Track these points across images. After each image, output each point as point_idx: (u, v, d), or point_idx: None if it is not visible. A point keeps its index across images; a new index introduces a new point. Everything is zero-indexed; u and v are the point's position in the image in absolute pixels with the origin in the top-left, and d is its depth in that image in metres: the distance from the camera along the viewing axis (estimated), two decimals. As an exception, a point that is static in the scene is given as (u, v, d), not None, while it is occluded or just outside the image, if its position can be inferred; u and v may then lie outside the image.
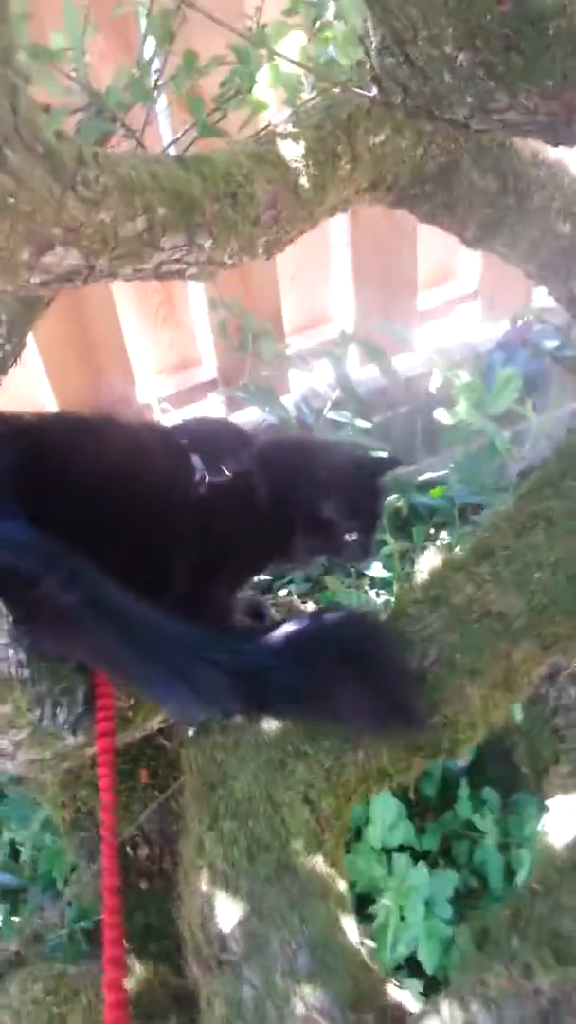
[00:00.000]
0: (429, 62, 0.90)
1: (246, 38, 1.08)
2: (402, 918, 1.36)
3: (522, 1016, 0.69)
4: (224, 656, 0.93)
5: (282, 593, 1.99)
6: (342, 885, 0.88)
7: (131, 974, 1.02)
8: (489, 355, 2.21)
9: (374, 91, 0.99)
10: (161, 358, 2.27)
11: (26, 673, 0.96)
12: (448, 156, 1.29)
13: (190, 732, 1.05)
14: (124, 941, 0.90)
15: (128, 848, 1.29)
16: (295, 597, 1.60)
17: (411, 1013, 0.80)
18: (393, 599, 1.78)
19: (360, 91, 1.03)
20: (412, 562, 2.08)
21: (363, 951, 0.84)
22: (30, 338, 1.80)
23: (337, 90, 1.12)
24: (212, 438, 1.20)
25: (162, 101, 1.58)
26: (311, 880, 0.85)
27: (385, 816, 1.46)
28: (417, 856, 1.51)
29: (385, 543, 1.84)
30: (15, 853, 1.67)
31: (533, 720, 1.57)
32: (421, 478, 2.41)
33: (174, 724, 1.31)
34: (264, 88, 1.17)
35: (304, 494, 1.14)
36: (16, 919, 1.58)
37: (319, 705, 0.96)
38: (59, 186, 0.84)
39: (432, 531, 2.26)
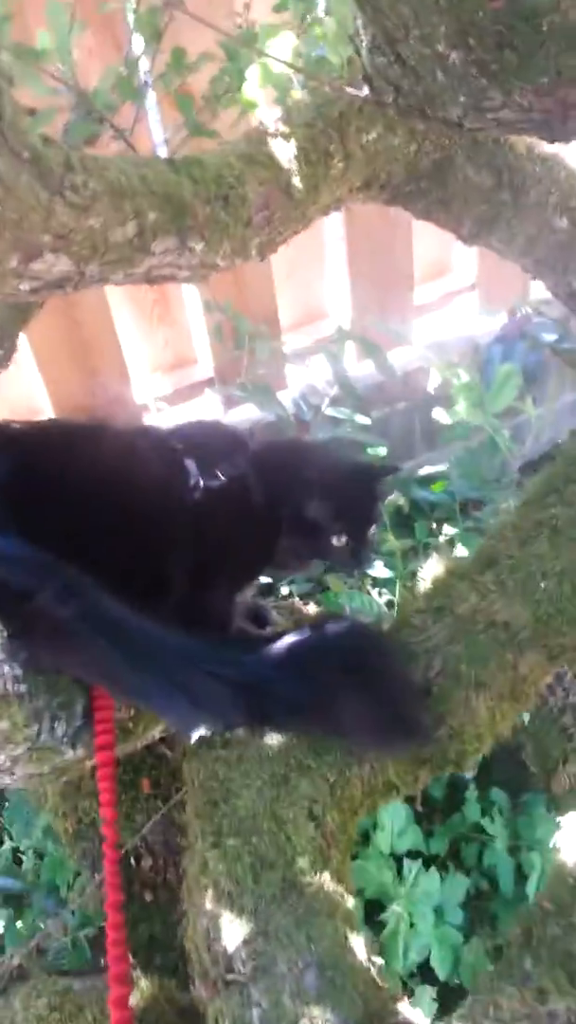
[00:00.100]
0: (421, 61, 0.88)
1: (233, 40, 1.06)
2: (412, 925, 1.35)
3: (535, 1038, 0.68)
4: (224, 668, 0.91)
5: (284, 591, 1.98)
6: (350, 902, 0.87)
7: (136, 989, 1.01)
8: (488, 349, 2.20)
9: (365, 90, 0.97)
10: (157, 357, 2.25)
11: (23, 688, 0.95)
12: (442, 152, 1.27)
13: (192, 741, 1.03)
14: (129, 956, 0.89)
15: (131, 859, 1.28)
16: (297, 599, 1.59)
17: (421, 1032, 0.79)
18: (396, 598, 1.77)
19: (351, 90, 1.01)
20: (416, 556, 2.07)
21: (372, 969, 0.83)
22: (23, 339, 1.78)
23: (328, 89, 1.10)
24: (207, 442, 1.18)
25: (151, 99, 1.56)
26: (317, 898, 0.84)
27: (394, 822, 1.45)
28: (426, 860, 1.49)
29: (385, 540, 1.83)
30: (18, 859, 1.66)
31: (541, 719, 1.56)
32: (421, 473, 2.40)
33: (176, 733, 1.29)
34: (254, 87, 1.15)
35: (293, 494, 1.12)
36: (20, 924, 1.57)
37: (321, 718, 0.95)
38: (47, 192, 0.82)
39: (434, 526, 2.25)
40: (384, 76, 0.93)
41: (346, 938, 0.83)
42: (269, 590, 1.88)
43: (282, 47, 1.10)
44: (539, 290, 1.93)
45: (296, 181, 1.10)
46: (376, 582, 1.92)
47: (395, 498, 1.85)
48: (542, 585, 0.98)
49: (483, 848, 1.56)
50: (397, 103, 0.96)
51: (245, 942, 0.82)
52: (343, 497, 1.12)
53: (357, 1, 0.88)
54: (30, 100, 1.11)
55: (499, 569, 1.02)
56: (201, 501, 1.08)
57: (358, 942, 0.84)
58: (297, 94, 1.16)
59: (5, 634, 0.92)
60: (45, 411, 2.12)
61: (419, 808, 1.56)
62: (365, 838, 1.47)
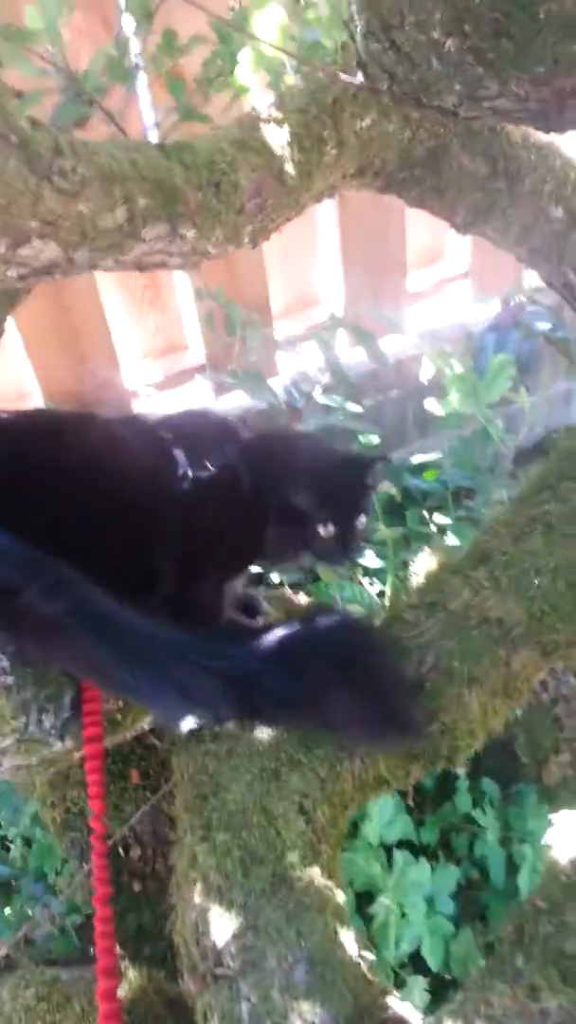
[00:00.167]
0: (416, 48, 0.87)
1: (225, 21, 1.04)
2: (403, 915, 1.35)
3: (526, 1036, 0.68)
4: (214, 661, 0.90)
5: (275, 580, 1.97)
6: (340, 896, 0.87)
7: (125, 981, 1.00)
8: (481, 337, 2.19)
9: (359, 77, 0.95)
10: (147, 343, 2.24)
11: (10, 680, 0.94)
12: (437, 140, 1.25)
13: (182, 731, 1.03)
14: (117, 949, 0.88)
15: (120, 849, 1.28)
16: (287, 589, 1.58)
17: (412, 1027, 0.79)
18: (387, 587, 1.76)
19: (346, 77, 0.99)
20: (407, 544, 2.07)
21: (363, 964, 0.83)
22: (12, 324, 1.77)
23: (321, 75, 1.08)
24: (197, 432, 1.17)
25: (142, 81, 1.54)
26: (308, 893, 0.84)
27: (383, 812, 1.45)
28: (416, 850, 1.50)
29: (376, 529, 1.82)
30: (5, 846, 1.66)
31: (533, 710, 1.56)
32: (414, 461, 2.39)
33: (164, 724, 1.29)
34: (246, 71, 1.14)
35: (279, 483, 1.11)
36: (8, 911, 1.57)
37: (312, 712, 0.94)
38: (35, 177, 0.81)
39: (425, 515, 2.24)
40: (379, 63, 0.92)
41: (336, 933, 0.82)
42: (260, 579, 1.88)
43: (270, 22, 1.09)
44: (533, 278, 1.93)
45: (289, 168, 1.08)
46: (367, 572, 1.91)
47: (387, 488, 1.83)
48: (536, 581, 0.97)
49: (474, 838, 1.56)
50: (392, 90, 0.94)
51: (234, 936, 0.82)
52: (329, 485, 1.10)
53: (353, -14, 0.87)
54: (18, 82, 1.10)
55: (492, 565, 1.01)
56: (190, 491, 1.07)
57: (348, 937, 0.84)
58: (290, 79, 1.14)
59: (-7, 629, 0.91)
60: (34, 397, 2.10)
61: (410, 800, 1.56)
62: (353, 829, 1.47)
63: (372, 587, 1.84)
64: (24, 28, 1.03)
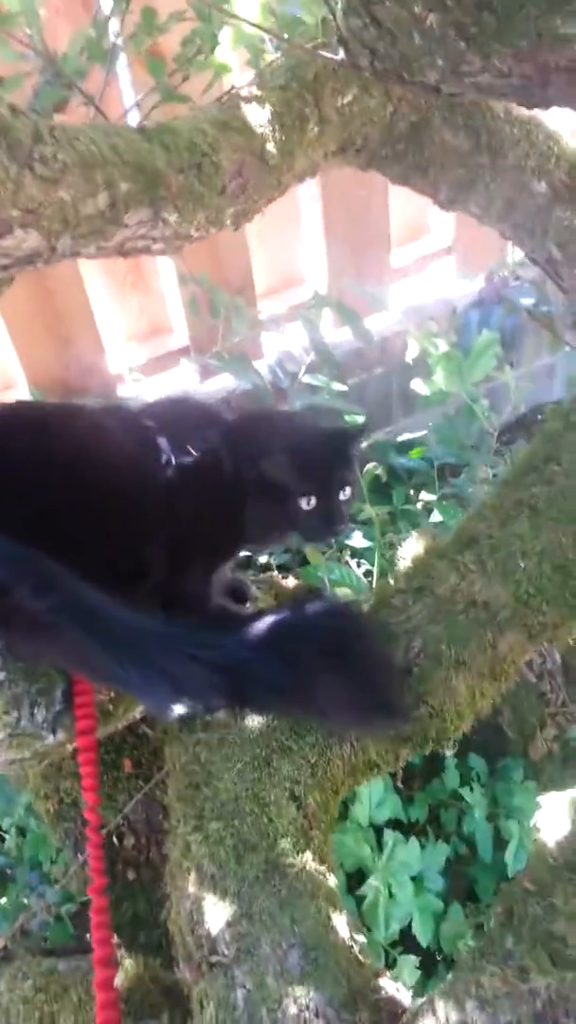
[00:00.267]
0: (397, 23, 0.86)
1: (203, 1, 1.03)
2: (391, 895, 1.36)
3: (517, 1017, 0.69)
4: (203, 651, 0.90)
5: (262, 560, 1.97)
6: (332, 881, 0.88)
7: (121, 970, 1.01)
8: (465, 313, 2.18)
9: (340, 54, 0.94)
10: (131, 325, 2.22)
11: (1, 676, 0.94)
12: (419, 114, 1.24)
13: (172, 717, 1.03)
14: (113, 939, 0.89)
15: (114, 838, 1.28)
16: (275, 572, 1.58)
17: (405, 1008, 0.79)
18: (374, 567, 1.76)
19: (326, 54, 0.98)
20: (393, 523, 2.07)
21: (355, 947, 0.83)
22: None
23: (301, 52, 1.06)
24: (180, 418, 1.15)
25: (122, 61, 1.51)
26: (300, 879, 0.84)
27: (372, 793, 1.46)
28: (405, 827, 1.51)
29: (362, 510, 1.82)
30: (0, 836, 1.67)
31: (519, 686, 1.57)
32: (399, 439, 2.39)
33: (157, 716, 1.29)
34: (226, 50, 1.12)
35: (259, 458, 1.08)
36: (4, 900, 1.58)
37: (300, 699, 0.94)
38: (15, 165, 0.80)
39: (411, 493, 2.24)
40: (360, 39, 0.90)
41: (329, 918, 0.83)
42: (247, 563, 1.88)
43: (252, 5, 1.07)
44: (516, 253, 1.92)
45: (271, 147, 1.07)
46: (354, 552, 1.91)
47: (372, 467, 1.83)
48: (522, 565, 0.97)
49: (462, 814, 1.57)
50: (373, 66, 0.93)
51: (229, 924, 0.83)
52: (309, 457, 1.08)
53: (332, -38, 0.85)
54: (-2, 67, 1.08)
55: (479, 549, 1.01)
56: (174, 479, 1.06)
57: (341, 921, 0.84)
58: (270, 56, 1.12)
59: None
60: (19, 382, 2.08)
61: (399, 779, 1.57)
62: (344, 810, 1.48)
63: (359, 568, 1.84)
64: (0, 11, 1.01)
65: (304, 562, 1.83)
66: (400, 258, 2.48)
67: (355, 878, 1.44)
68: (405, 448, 2.34)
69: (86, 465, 1.02)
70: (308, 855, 0.87)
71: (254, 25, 1.06)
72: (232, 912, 0.83)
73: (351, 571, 1.68)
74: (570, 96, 0.88)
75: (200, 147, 1.00)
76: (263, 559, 1.98)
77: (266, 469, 1.07)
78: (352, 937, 0.84)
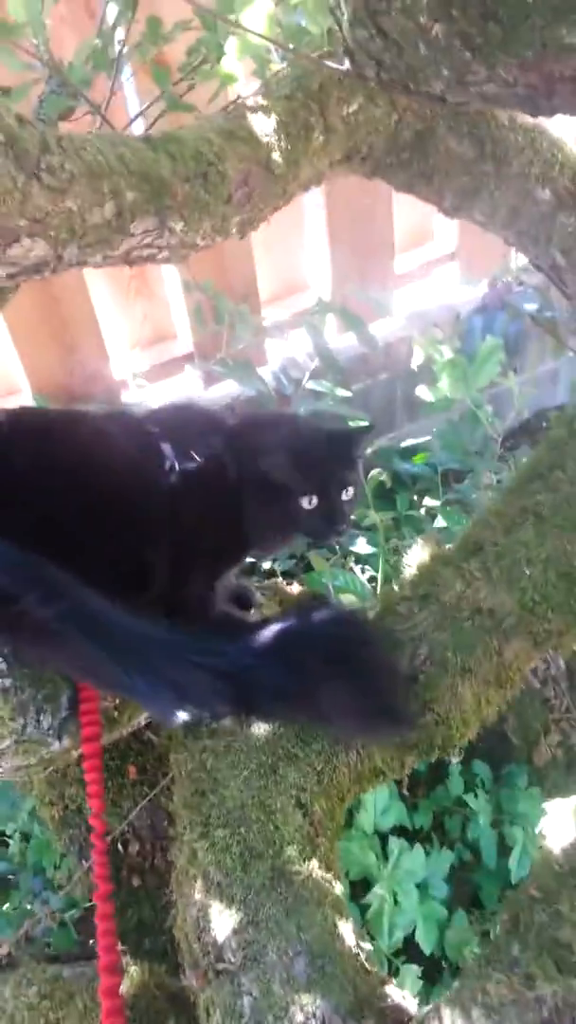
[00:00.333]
0: (403, 34, 0.86)
1: (208, 11, 1.03)
2: (396, 903, 1.36)
3: (524, 1025, 0.69)
4: (208, 658, 0.90)
5: (265, 566, 1.97)
6: (338, 888, 0.88)
7: (127, 976, 1.01)
8: (469, 319, 2.19)
9: (346, 64, 0.94)
10: (135, 332, 2.23)
11: (7, 682, 0.94)
12: (424, 123, 1.24)
13: (176, 724, 1.03)
14: (118, 946, 0.89)
15: (119, 845, 1.28)
16: (280, 578, 1.58)
17: (411, 1016, 0.79)
18: (378, 573, 1.76)
19: (332, 64, 0.98)
20: (397, 528, 2.07)
21: (361, 954, 0.83)
22: (-1, 316, 1.75)
23: (307, 62, 1.07)
24: (184, 424, 1.15)
25: (126, 69, 1.52)
26: (306, 886, 0.84)
27: (377, 801, 1.46)
28: (410, 834, 1.51)
29: (366, 515, 1.82)
30: (4, 842, 1.67)
31: (523, 692, 1.57)
32: (403, 445, 2.39)
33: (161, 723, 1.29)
34: (232, 60, 1.12)
35: (259, 457, 1.08)
36: (7, 907, 1.58)
37: (306, 706, 0.95)
38: (23, 175, 0.80)
39: (415, 498, 2.25)
40: (366, 50, 0.91)
41: (335, 925, 0.83)
42: (252, 569, 1.88)
43: (258, 15, 1.08)
44: (519, 259, 1.92)
45: (276, 156, 1.07)
46: (359, 558, 1.91)
47: (377, 473, 1.83)
48: (527, 572, 0.97)
49: (466, 821, 1.57)
50: (379, 77, 0.93)
51: (235, 932, 0.83)
52: (310, 456, 1.07)
53: (338, -27, 0.86)
54: (4, 77, 1.08)
55: (484, 556, 1.01)
56: (177, 485, 1.06)
57: (347, 928, 0.84)
58: (276, 66, 1.13)
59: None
60: (23, 388, 2.09)
61: (404, 785, 1.57)
62: (349, 818, 1.48)
63: (364, 574, 1.84)
64: (6, 21, 1.01)
65: (308, 568, 1.83)
66: (404, 264, 2.49)
67: (359, 886, 1.44)
68: (409, 454, 2.35)
69: (89, 471, 1.02)
70: (314, 862, 0.87)
71: (260, 35, 1.06)
72: (238, 919, 0.83)
73: (355, 577, 1.68)
74: (575, 105, 0.88)
75: (206, 156, 1.00)
76: (267, 565, 1.99)
77: (267, 467, 1.07)
78: (358, 945, 0.85)
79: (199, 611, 1.11)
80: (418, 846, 1.45)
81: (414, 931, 1.38)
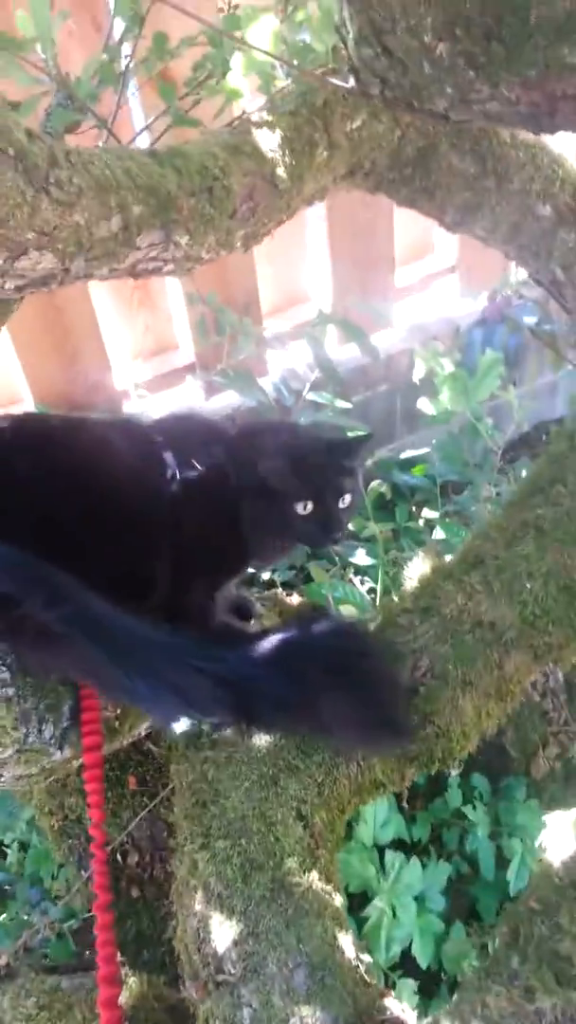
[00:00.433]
0: (408, 53, 0.87)
1: (214, 28, 1.04)
2: (394, 916, 1.36)
3: (523, 1038, 0.69)
4: (209, 664, 0.91)
5: (265, 576, 1.98)
6: (338, 900, 0.88)
7: (126, 988, 1.01)
8: (469, 332, 2.20)
9: (351, 82, 0.95)
10: (137, 342, 2.23)
11: (10, 691, 0.94)
12: (426, 139, 1.25)
13: (176, 733, 1.03)
14: (118, 957, 0.89)
15: (118, 855, 1.28)
16: (280, 590, 1.58)
17: (410, 1028, 0.80)
18: (378, 585, 1.77)
19: (337, 82, 1.00)
20: (396, 540, 2.08)
21: (361, 967, 0.83)
22: (1, 326, 1.75)
23: (312, 80, 1.08)
24: (186, 434, 1.16)
25: (133, 83, 1.53)
26: (306, 898, 0.85)
27: (376, 813, 1.46)
28: (408, 846, 1.51)
29: (365, 527, 1.83)
30: (1, 852, 1.66)
31: (522, 705, 1.57)
32: (402, 456, 2.40)
33: (161, 729, 1.29)
34: (237, 76, 1.14)
35: (256, 462, 1.08)
36: (4, 916, 1.57)
37: (306, 716, 0.95)
38: (32, 189, 0.81)
39: (414, 509, 2.25)
40: (371, 68, 0.92)
41: (335, 937, 0.84)
42: (251, 580, 1.88)
43: (264, 32, 1.09)
44: (519, 272, 1.93)
45: (281, 171, 1.08)
46: (358, 570, 1.92)
47: (376, 484, 1.84)
48: (528, 586, 0.98)
49: (464, 833, 1.57)
50: (384, 95, 0.94)
51: (235, 943, 0.83)
52: (306, 462, 1.07)
53: (345, -8, 0.87)
54: (12, 91, 1.09)
55: (485, 569, 1.02)
56: (179, 494, 1.06)
57: (347, 940, 0.85)
58: (281, 82, 1.14)
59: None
60: (25, 398, 2.09)
61: (404, 802, 1.57)
62: (348, 830, 1.48)
63: (363, 585, 1.85)
64: (15, 37, 1.02)
65: (308, 579, 1.83)
66: (404, 277, 2.50)
67: (357, 899, 1.43)
68: (408, 465, 2.35)
69: (90, 479, 1.02)
70: (314, 874, 0.87)
71: (265, 52, 1.07)
72: (239, 931, 0.83)
73: (355, 589, 1.69)
74: (577, 123, 0.89)
75: (211, 171, 1.01)
76: (267, 576, 1.99)
77: (264, 472, 1.07)
78: (358, 957, 0.85)
79: (199, 621, 1.11)
80: (415, 859, 1.45)
81: (411, 945, 1.38)
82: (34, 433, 1.08)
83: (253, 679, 0.93)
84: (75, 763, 1.02)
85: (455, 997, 0.77)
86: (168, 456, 1.08)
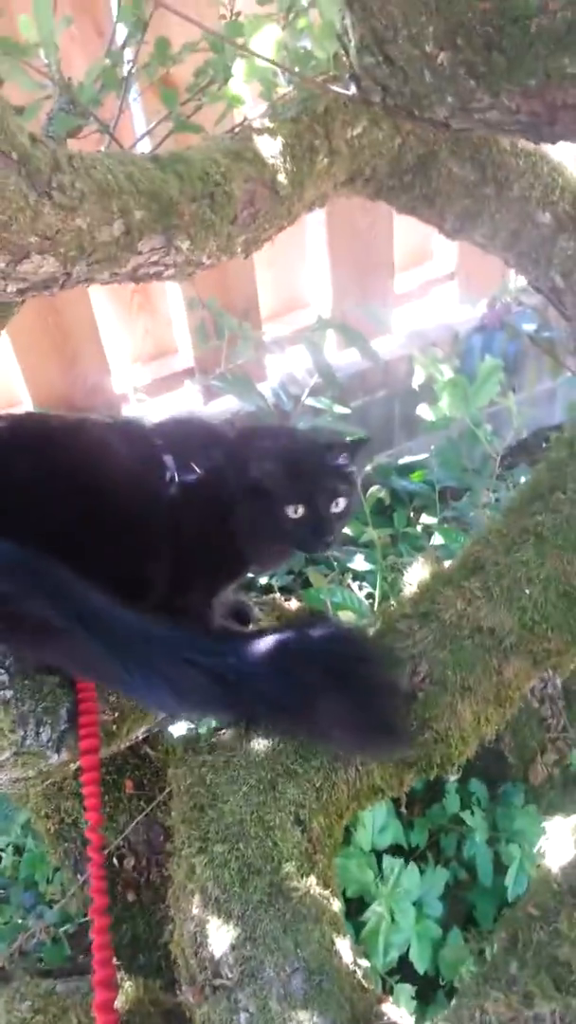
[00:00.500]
0: (409, 61, 0.88)
1: (216, 35, 1.05)
2: (393, 921, 1.36)
3: (521, 1044, 0.69)
4: (205, 658, 0.91)
5: (263, 581, 1.98)
6: (335, 905, 0.88)
7: (121, 992, 1.01)
8: (468, 338, 2.20)
9: (352, 89, 0.96)
10: (137, 346, 2.24)
11: (8, 694, 0.94)
12: (426, 147, 1.26)
13: (179, 743, 1.04)
14: (113, 960, 0.89)
15: (114, 859, 1.28)
16: (278, 595, 1.59)
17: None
18: (376, 590, 1.77)
19: (338, 89, 1.00)
20: (394, 544, 2.08)
21: (359, 972, 0.83)
22: (1, 328, 1.76)
23: (313, 87, 1.08)
24: (186, 437, 1.16)
25: (135, 88, 1.54)
26: (304, 903, 0.85)
27: (375, 819, 1.46)
28: (405, 853, 1.51)
29: (363, 532, 1.83)
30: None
31: (520, 711, 1.57)
32: (401, 462, 2.40)
33: (159, 733, 1.29)
34: (239, 82, 1.14)
35: (249, 465, 1.07)
36: None
37: (301, 718, 0.95)
38: (34, 193, 0.81)
39: (412, 515, 2.26)
40: (372, 76, 0.92)
41: (332, 942, 0.83)
42: (250, 585, 1.88)
43: (266, 40, 1.09)
44: (518, 279, 1.94)
45: (282, 178, 1.08)
46: (356, 575, 1.92)
47: (375, 490, 1.84)
48: (527, 592, 0.98)
49: (462, 839, 1.57)
50: (384, 102, 0.95)
51: (232, 947, 0.83)
52: (298, 465, 1.07)
53: (346, 1, 0.87)
54: (15, 95, 1.10)
55: (485, 575, 1.02)
56: (177, 497, 1.06)
57: (344, 945, 0.85)
58: (282, 89, 1.14)
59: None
60: (24, 401, 2.09)
61: (402, 807, 1.57)
62: (346, 836, 1.48)
63: (361, 590, 1.85)
64: (18, 41, 1.03)
65: (307, 584, 1.83)
66: (404, 283, 2.50)
67: (354, 904, 1.43)
68: (407, 471, 2.36)
69: (88, 480, 1.02)
70: (312, 879, 0.87)
71: (267, 59, 1.08)
72: (236, 935, 0.83)
73: (353, 594, 1.69)
74: (577, 132, 0.90)
75: (213, 177, 1.01)
76: (265, 581, 1.99)
77: (257, 474, 1.06)
78: (355, 962, 0.85)
79: (198, 625, 1.11)
80: (413, 864, 1.45)
81: (408, 950, 1.38)
82: (33, 433, 1.08)
83: (250, 678, 0.93)
84: (72, 766, 1.02)
85: (453, 1002, 0.77)
86: (167, 459, 1.09)
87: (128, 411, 2.17)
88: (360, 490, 1.13)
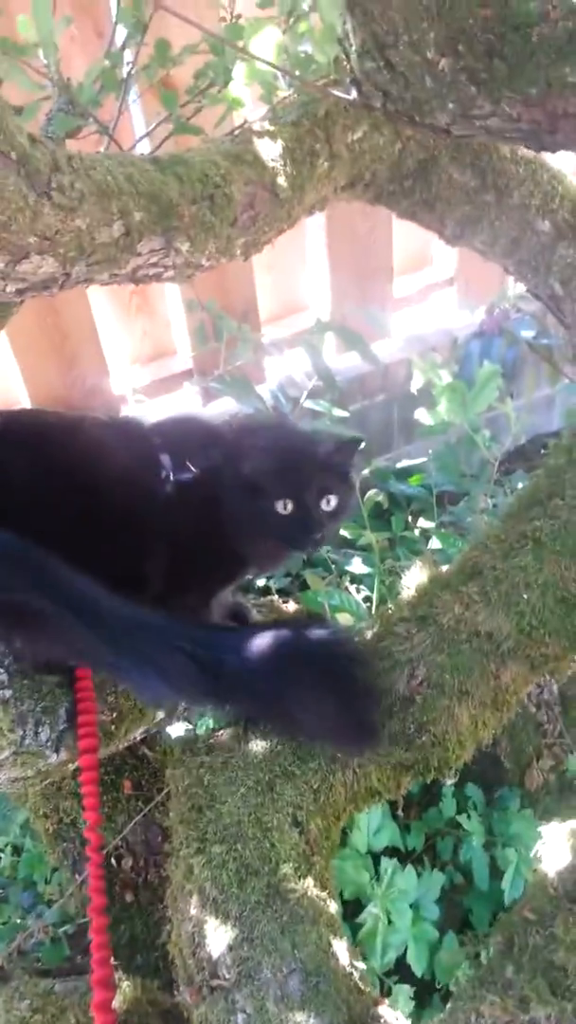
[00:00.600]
0: (410, 67, 0.88)
1: (217, 37, 1.05)
2: (390, 922, 1.36)
3: (517, 1046, 0.69)
4: (196, 648, 0.92)
5: (261, 584, 1.98)
6: (333, 907, 0.88)
7: (119, 992, 1.01)
8: (466, 344, 2.21)
9: (353, 94, 0.96)
10: (135, 348, 2.24)
11: (7, 693, 0.95)
12: (427, 152, 1.26)
13: (176, 743, 1.04)
14: (112, 960, 0.89)
15: (112, 859, 1.28)
16: (276, 597, 1.59)
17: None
18: (374, 593, 1.77)
19: (339, 93, 1.00)
20: (392, 548, 2.08)
21: (355, 973, 0.84)
22: (-1, 329, 1.76)
23: (314, 91, 1.09)
24: (184, 437, 1.16)
25: (135, 89, 1.54)
26: (301, 904, 0.85)
27: (370, 821, 1.46)
28: (402, 855, 1.51)
29: (361, 535, 1.83)
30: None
31: (516, 716, 1.58)
32: (399, 466, 2.41)
33: (157, 734, 1.30)
34: (239, 85, 1.14)
35: (240, 459, 1.06)
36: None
37: (279, 708, 0.97)
38: (34, 193, 0.81)
39: (410, 519, 2.26)
40: (373, 81, 0.93)
41: (329, 943, 0.84)
42: (247, 587, 1.88)
43: (266, 44, 1.10)
44: (517, 285, 1.94)
45: (282, 181, 1.09)
46: (354, 578, 1.92)
47: (373, 493, 1.85)
48: (525, 597, 0.99)
49: (459, 843, 1.57)
50: (385, 108, 0.95)
51: (230, 948, 0.83)
52: (288, 460, 1.06)
53: (347, 5, 0.88)
54: (14, 95, 1.10)
55: (483, 580, 1.03)
56: (174, 496, 1.06)
57: (341, 947, 0.85)
58: (283, 92, 1.15)
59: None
60: (22, 402, 2.10)
61: (399, 810, 1.57)
62: (343, 837, 1.48)
63: (359, 594, 1.85)
64: (17, 41, 1.03)
65: (304, 587, 1.83)
66: (402, 288, 2.51)
67: (350, 906, 1.44)
68: (405, 475, 2.36)
69: (83, 477, 1.02)
70: (309, 880, 0.88)
71: (267, 63, 1.08)
72: (233, 936, 0.83)
73: (351, 597, 1.69)
74: (578, 141, 0.90)
75: (213, 179, 1.02)
76: (263, 583, 1.99)
77: (248, 470, 1.05)
78: (352, 964, 0.85)
79: None
80: (410, 867, 1.45)
81: (405, 952, 1.38)
82: (28, 429, 1.08)
83: (234, 665, 0.94)
84: (71, 766, 1.02)
85: (449, 1005, 0.78)
86: (164, 458, 1.09)
87: (127, 412, 2.17)
88: (358, 493, 1.12)
